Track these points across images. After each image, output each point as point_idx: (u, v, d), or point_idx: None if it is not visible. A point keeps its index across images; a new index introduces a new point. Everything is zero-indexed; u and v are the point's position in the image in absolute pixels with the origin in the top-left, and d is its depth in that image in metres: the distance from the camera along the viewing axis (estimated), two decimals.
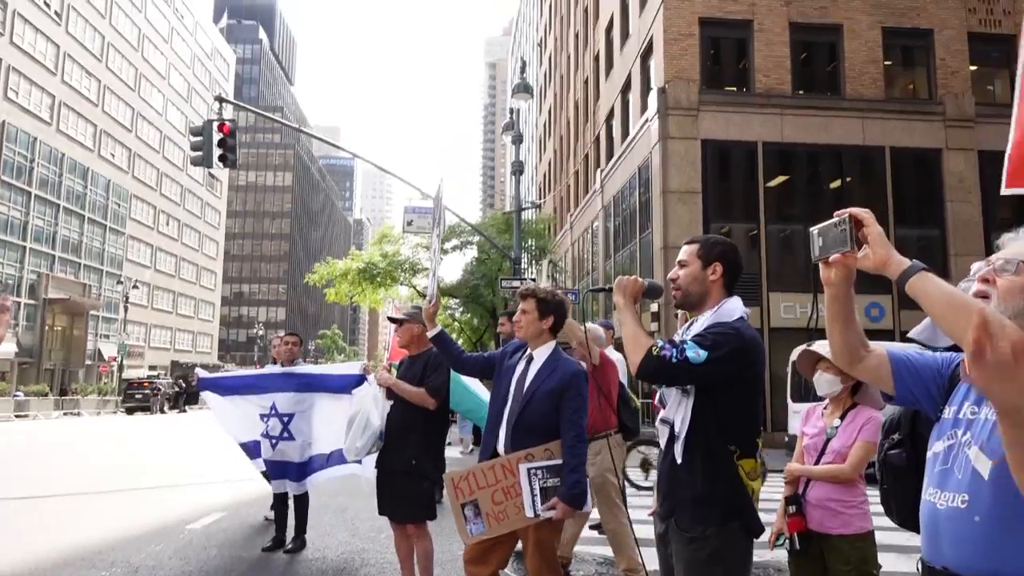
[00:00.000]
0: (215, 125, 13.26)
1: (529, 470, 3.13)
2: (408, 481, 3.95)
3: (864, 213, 1.51)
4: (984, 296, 1.49)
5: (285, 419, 5.30)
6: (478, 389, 5.14)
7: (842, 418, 3.08)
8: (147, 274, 60.92)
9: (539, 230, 30.10)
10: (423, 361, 4.09)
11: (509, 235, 24.60)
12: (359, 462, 4.63)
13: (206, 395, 5.75)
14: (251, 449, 5.51)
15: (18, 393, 33.96)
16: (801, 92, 19.46)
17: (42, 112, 45.76)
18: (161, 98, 64.14)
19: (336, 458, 5.10)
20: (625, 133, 23.73)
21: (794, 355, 13.06)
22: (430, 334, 3.72)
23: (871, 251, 1.50)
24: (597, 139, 28.43)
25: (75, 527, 6.34)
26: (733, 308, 2.32)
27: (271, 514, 6.07)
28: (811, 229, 1.57)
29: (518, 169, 19.79)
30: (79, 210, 50.31)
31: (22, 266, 44.01)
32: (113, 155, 55.39)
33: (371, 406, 4.17)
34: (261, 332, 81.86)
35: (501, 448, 3.25)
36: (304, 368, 5.67)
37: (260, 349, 77.84)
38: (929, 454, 1.56)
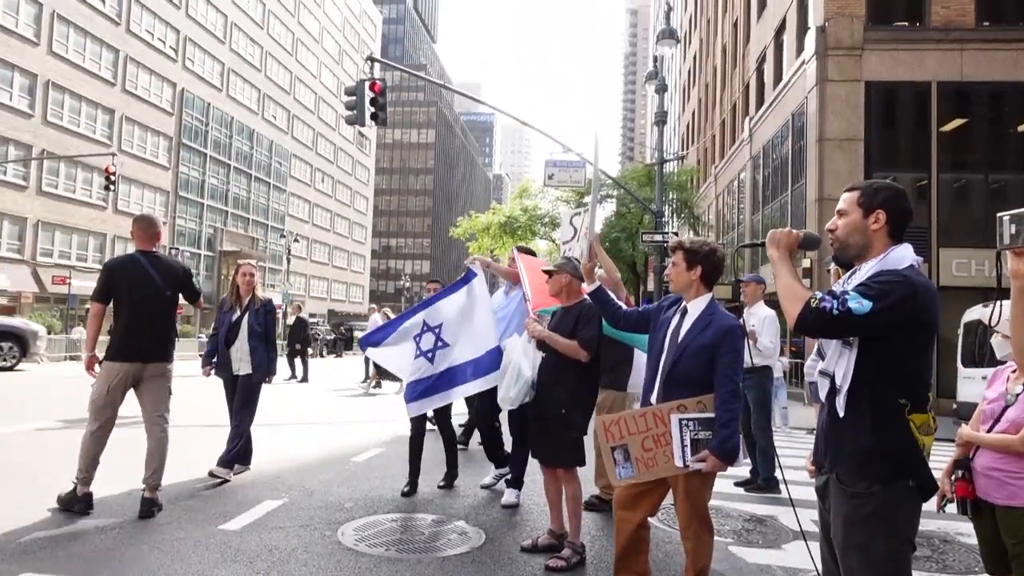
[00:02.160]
0: (367, 85, 13.89)
1: (681, 421, 3.15)
2: (558, 429, 4.07)
3: None
4: None
5: (436, 329, 5.25)
6: None
7: None
8: (306, 228, 65.43)
9: (681, 182, 29.19)
10: (576, 313, 4.15)
11: (650, 188, 24.05)
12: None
13: (370, 352, 5.79)
14: (410, 393, 5.31)
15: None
16: (986, 23, 17.34)
17: (213, 79, 49.75)
18: (315, 61, 67.63)
19: (482, 370, 5.04)
20: (778, 78, 22.29)
21: (967, 316, 12.01)
22: (589, 289, 3.76)
23: None
24: (746, 86, 26.91)
25: (257, 454, 7.10)
26: (902, 256, 2.17)
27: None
28: (1001, 215, 1.41)
29: (661, 119, 19.21)
30: (247, 169, 54.71)
31: (201, 221, 48.72)
32: (275, 117, 59.40)
33: (521, 357, 4.26)
34: (407, 284, 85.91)
35: (654, 399, 3.29)
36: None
37: (407, 300, 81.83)
38: None
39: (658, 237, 17.79)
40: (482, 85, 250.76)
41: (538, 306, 4.69)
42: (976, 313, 11.52)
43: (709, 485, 3.29)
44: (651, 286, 22.95)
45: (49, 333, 26.96)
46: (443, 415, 5.91)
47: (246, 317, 6.00)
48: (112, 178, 24.69)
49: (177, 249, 37.06)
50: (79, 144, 35.86)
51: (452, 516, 5.08)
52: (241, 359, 5.99)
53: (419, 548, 4.31)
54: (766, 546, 4.71)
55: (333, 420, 8.31)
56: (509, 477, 5.57)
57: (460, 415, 7.51)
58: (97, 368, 4.81)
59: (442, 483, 5.93)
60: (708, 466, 3.08)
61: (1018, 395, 2.82)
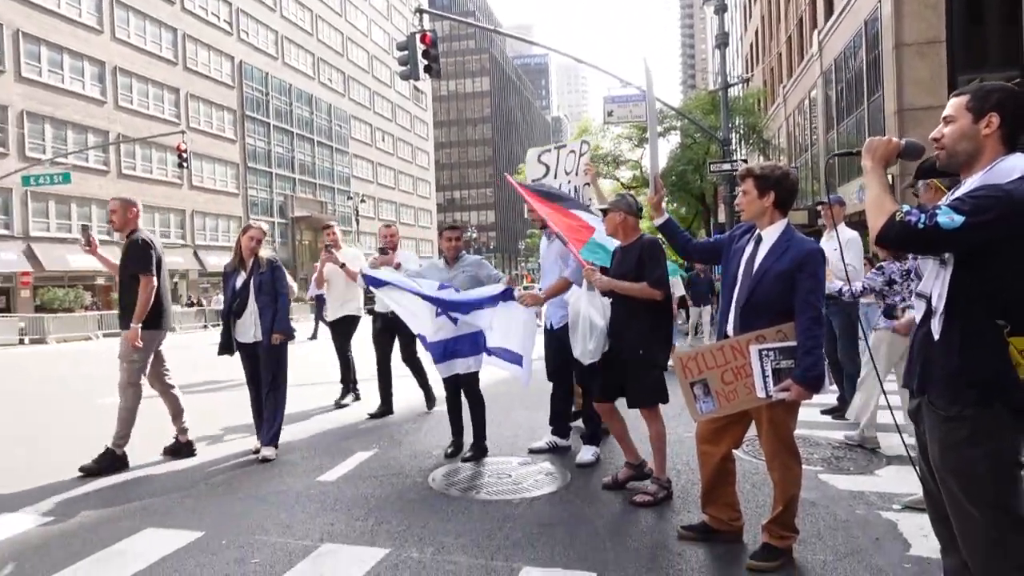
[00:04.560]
0: (418, 37, 13.78)
1: (760, 351, 3.09)
2: (638, 368, 4.04)
3: None
4: None
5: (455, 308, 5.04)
6: None
7: None
8: (371, 188, 66.35)
9: (748, 107, 28.02)
10: (636, 251, 4.07)
11: (715, 116, 23.21)
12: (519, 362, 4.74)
13: (379, 293, 5.52)
14: (437, 353, 5.15)
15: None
16: None
17: (269, 48, 50.35)
18: (365, 19, 67.39)
19: (511, 356, 4.90)
20: None
21: None
22: (657, 222, 3.71)
23: None
24: None
25: (345, 408, 7.41)
26: (1011, 167, 1.99)
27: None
28: None
29: (722, 41, 18.39)
30: (309, 135, 55.59)
31: (271, 190, 50.06)
32: (330, 80, 59.83)
33: (589, 308, 4.15)
34: (474, 235, 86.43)
35: (730, 330, 3.23)
36: (453, 296, 5.09)
37: (475, 251, 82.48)
38: None
39: (726, 166, 17.25)
40: (533, 26, 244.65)
41: (578, 246, 4.44)
42: None
43: (794, 415, 3.23)
44: (722, 217, 22.32)
45: None
46: (470, 380, 5.27)
47: (252, 280, 5.42)
48: (184, 155, 25.56)
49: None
50: (150, 125, 37.17)
51: (537, 458, 5.19)
52: (254, 324, 5.39)
53: (508, 490, 4.43)
54: (858, 472, 4.63)
55: (407, 373, 8.55)
56: (585, 433, 5.14)
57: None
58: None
59: (468, 454, 5.23)
60: (792, 395, 3.02)
61: None
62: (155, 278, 5.21)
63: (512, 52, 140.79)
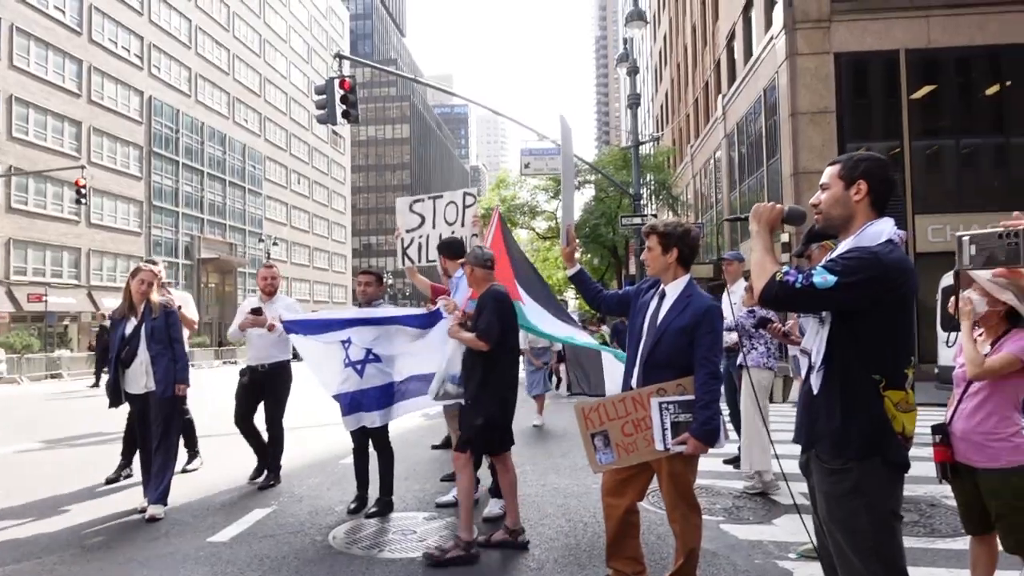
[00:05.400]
0: (336, 82, 13.74)
1: (660, 404, 3.14)
2: (466, 415, 4.18)
3: None
4: None
5: (366, 348, 5.01)
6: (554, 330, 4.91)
7: (993, 344, 2.85)
8: (284, 231, 64.86)
9: (658, 164, 29.28)
10: (479, 303, 4.20)
11: (627, 171, 24.09)
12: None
13: (295, 339, 5.36)
14: (344, 404, 5.06)
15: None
16: None
17: (181, 85, 49.01)
18: (284, 61, 66.87)
19: (417, 388, 4.91)
20: (748, 54, 22.36)
21: (944, 282, 12.11)
22: (569, 273, 3.81)
23: None
24: (717, 64, 26.97)
25: (242, 461, 7.03)
26: (879, 231, 2.16)
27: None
28: (960, 235, 1.38)
29: (634, 102, 19.21)
30: (220, 175, 54.05)
31: (177, 230, 48.12)
32: (246, 120, 58.69)
33: (456, 351, 4.30)
34: (390, 281, 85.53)
35: (634, 383, 3.28)
36: (380, 311, 5.21)
37: (390, 297, 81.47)
38: None
39: (637, 220, 17.84)
40: (454, 76, 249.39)
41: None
42: (952, 279, 11.64)
43: (693, 467, 3.29)
44: (632, 269, 23.00)
45: (19, 351, 26.60)
46: (380, 431, 5.17)
47: (143, 326, 5.07)
48: (83, 191, 24.31)
49: None
50: (48, 159, 35.22)
51: (444, 512, 5.07)
52: (145, 373, 5.05)
53: (412, 547, 4.28)
54: (757, 522, 4.75)
55: (318, 422, 8.22)
56: (492, 487, 4.99)
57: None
58: None
59: (372, 509, 5.05)
60: (689, 448, 3.08)
61: (986, 355, 2.85)
62: None
63: (433, 101, 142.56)
